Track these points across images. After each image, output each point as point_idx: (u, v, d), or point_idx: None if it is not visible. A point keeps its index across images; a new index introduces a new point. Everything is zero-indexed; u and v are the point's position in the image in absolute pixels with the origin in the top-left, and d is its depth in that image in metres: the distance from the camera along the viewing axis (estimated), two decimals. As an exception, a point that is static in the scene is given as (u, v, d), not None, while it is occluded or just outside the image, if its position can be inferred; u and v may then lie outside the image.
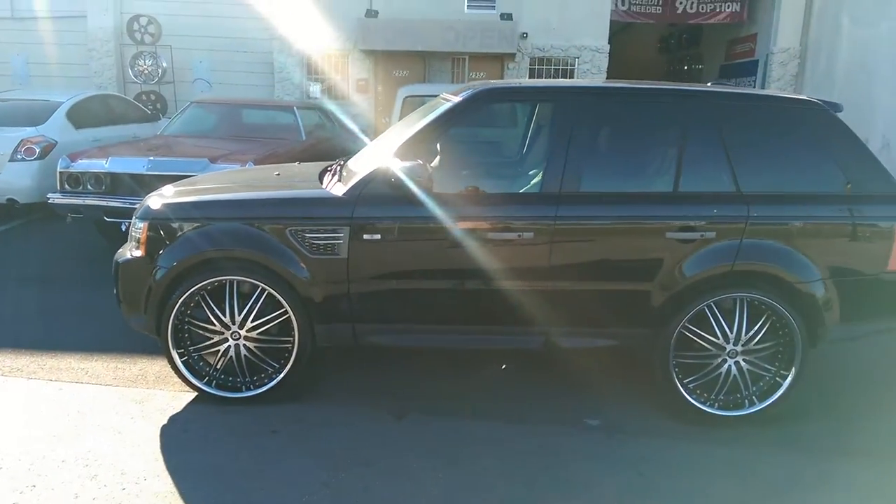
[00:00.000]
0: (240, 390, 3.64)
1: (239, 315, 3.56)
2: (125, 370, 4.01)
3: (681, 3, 14.10)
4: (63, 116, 8.27)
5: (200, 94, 13.44)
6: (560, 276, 3.50)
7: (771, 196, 3.50)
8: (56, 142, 7.78)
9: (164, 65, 13.67)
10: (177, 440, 3.28)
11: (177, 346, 3.59)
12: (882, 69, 10.52)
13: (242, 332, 3.58)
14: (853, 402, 3.94)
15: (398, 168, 3.38)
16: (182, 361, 3.61)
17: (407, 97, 7.91)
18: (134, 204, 4.39)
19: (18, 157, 7.48)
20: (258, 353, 3.63)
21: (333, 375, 4.05)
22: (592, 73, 13.36)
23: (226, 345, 3.60)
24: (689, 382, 3.60)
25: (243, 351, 3.61)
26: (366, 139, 7.99)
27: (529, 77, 13.51)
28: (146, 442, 3.24)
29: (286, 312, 3.54)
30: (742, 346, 3.54)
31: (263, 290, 3.52)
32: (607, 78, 13.83)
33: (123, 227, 5.82)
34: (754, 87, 13.86)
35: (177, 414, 3.53)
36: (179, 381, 3.67)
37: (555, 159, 3.52)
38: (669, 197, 3.52)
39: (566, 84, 3.86)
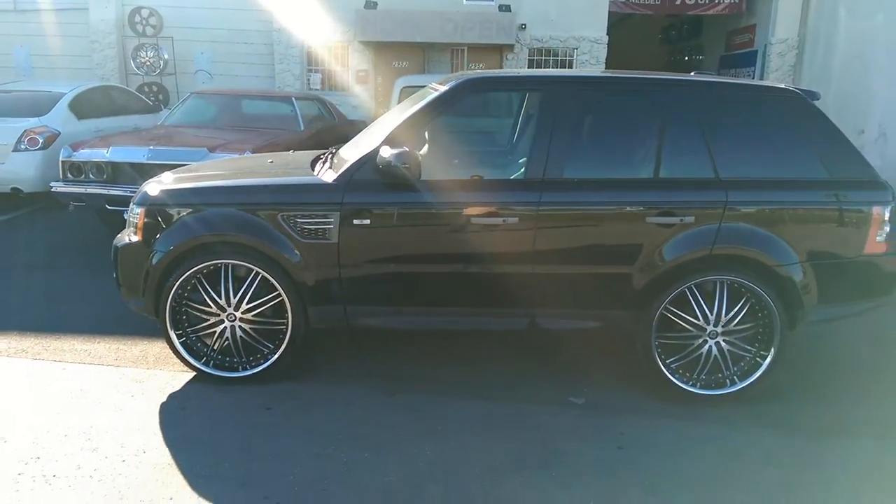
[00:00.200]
0: (236, 370, 3.77)
1: (234, 298, 3.68)
2: (126, 351, 4.15)
3: (680, -7, 14.14)
4: (66, 107, 8.40)
5: (202, 85, 13.55)
6: (544, 260, 3.61)
7: (749, 182, 3.60)
8: (59, 132, 7.91)
9: (166, 56, 13.78)
10: (175, 416, 3.42)
11: (175, 328, 3.72)
12: (878, 60, 10.57)
13: (238, 314, 3.71)
14: (830, 383, 4.05)
15: (386, 155, 3.48)
16: (180, 342, 3.74)
17: (404, 87, 8.04)
18: (135, 192, 4.51)
19: (22, 146, 7.62)
20: (253, 334, 3.76)
21: (328, 357, 4.18)
22: (591, 63, 13.43)
23: (222, 326, 3.73)
24: (672, 363, 3.71)
25: (239, 332, 3.74)
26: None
27: (529, 68, 13.57)
28: (146, 418, 3.37)
29: (280, 295, 3.66)
30: (722, 327, 3.65)
31: (258, 273, 3.64)
32: (606, 68, 13.90)
33: (126, 215, 5.93)
34: (753, 77, 13.91)
35: (175, 392, 3.66)
36: (178, 361, 3.80)
37: (538, 147, 3.63)
38: (650, 183, 3.63)
39: (548, 73, 3.97)
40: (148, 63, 13.82)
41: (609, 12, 13.73)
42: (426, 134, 3.99)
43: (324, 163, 4.05)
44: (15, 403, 3.48)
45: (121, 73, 14.16)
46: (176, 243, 3.61)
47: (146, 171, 5.91)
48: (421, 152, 4.04)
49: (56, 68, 14.17)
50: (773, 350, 3.65)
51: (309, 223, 3.59)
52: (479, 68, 13.50)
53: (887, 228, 3.69)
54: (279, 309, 3.71)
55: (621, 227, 3.63)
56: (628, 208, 3.61)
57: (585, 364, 4.13)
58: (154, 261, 3.64)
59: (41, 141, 7.72)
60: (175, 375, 3.83)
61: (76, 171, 6.34)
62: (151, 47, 13.77)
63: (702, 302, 3.63)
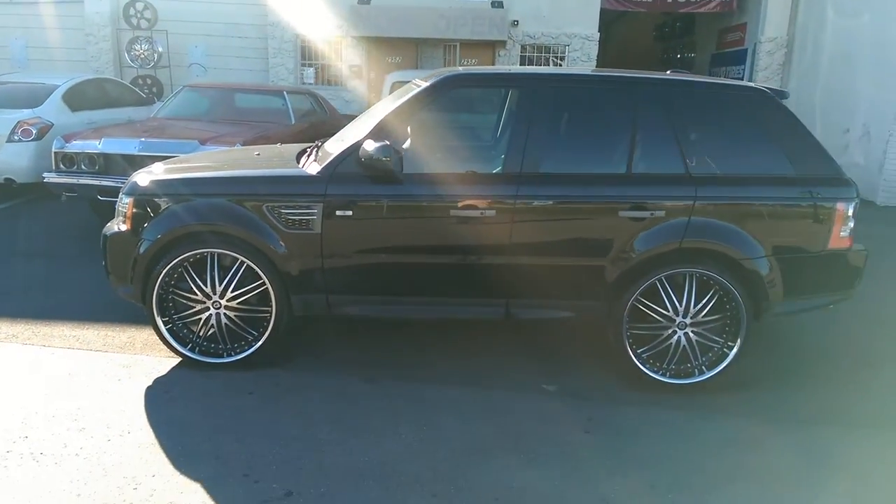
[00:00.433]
0: (221, 356, 3.88)
1: (220, 286, 3.79)
2: (114, 338, 4.26)
3: (671, -9, 14.27)
4: (59, 99, 8.49)
5: (196, 78, 13.63)
6: (520, 252, 3.73)
7: (718, 177, 3.73)
8: (52, 124, 8.00)
9: (160, 49, 13.85)
10: (160, 399, 3.53)
11: (161, 315, 3.83)
12: (864, 59, 10.70)
13: (223, 302, 3.82)
14: (795, 372, 4.18)
15: (369, 149, 3.59)
16: (167, 329, 3.85)
17: (395, 82, 8.14)
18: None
19: (15, 137, 7.71)
20: (238, 321, 3.87)
21: (310, 344, 4.29)
22: (582, 60, 13.55)
23: (207, 313, 3.84)
24: (643, 352, 3.84)
25: (224, 319, 3.85)
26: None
27: (520, 64, 13.68)
28: (131, 401, 3.49)
29: (264, 284, 3.78)
30: (691, 318, 3.78)
31: (243, 262, 3.75)
32: (597, 65, 14.02)
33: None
34: (743, 75, 14.05)
35: (161, 377, 3.78)
36: (165, 347, 3.91)
37: (516, 142, 3.76)
38: (622, 178, 3.75)
39: (525, 71, 4.09)
40: (142, 56, 13.89)
41: (603, 9, 13.84)
42: (409, 128, 4.10)
43: (309, 156, 4.16)
44: (4, 386, 3.60)
45: (115, 65, 14.23)
46: (163, 232, 3.72)
47: (138, 163, 6.00)
48: (404, 146, 4.16)
49: (51, 60, 14.24)
50: (739, 341, 3.78)
51: (293, 214, 3.70)
52: (471, 64, 13.60)
53: (851, 224, 3.82)
54: (263, 297, 3.82)
55: (595, 221, 3.76)
56: (601, 202, 3.73)
57: (560, 353, 4.27)
58: (142, 249, 3.75)
59: (35, 132, 7.81)
60: (161, 361, 3.95)
61: (69, 161, 6.44)
62: (146, 40, 13.84)
63: (671, 294, 3.76)
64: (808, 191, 3.75)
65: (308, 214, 3.70)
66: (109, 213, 6.37)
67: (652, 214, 3.68)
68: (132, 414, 3.36)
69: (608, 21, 18.24)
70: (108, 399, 3.49)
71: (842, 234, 3.79)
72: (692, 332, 3.80)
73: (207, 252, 3.75)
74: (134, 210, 3.80)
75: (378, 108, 4.23)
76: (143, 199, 3.80)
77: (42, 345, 4.12)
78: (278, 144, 5.30)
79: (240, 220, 3.71)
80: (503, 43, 13.46)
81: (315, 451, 3.10)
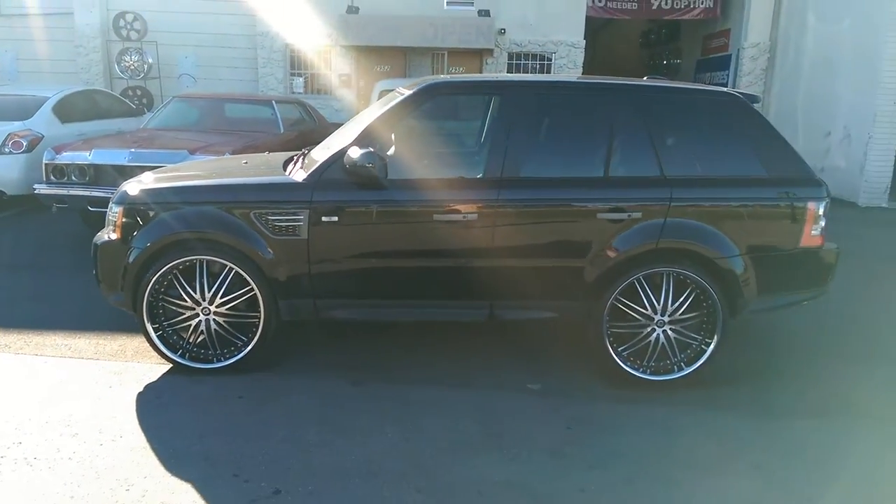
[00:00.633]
0: (211, 361, 3.96)
1: (209, 292, 3.87)
2: (105, 346, 4.33)
3: (655, -1, 14.47)
4: (49, 111, 8.56)
5: (186, 89, 13.72)
6: (502, 254, 3.83)
7: (692, 180, 3.85)
8: (42, 136, 8.07)
9: (150, 61, 13.92)
10: (151, 404, 3.61)
11: (152, 321, 3.90)
12: (844, 64, 10.89)
13: (212, 308, 3.90)
14: (771, 368, 4.30)
15: (354, 156, 3.68)
16: (157, 335, 3.93)
17: (383, 91, 8.26)
18: (115, 193, 4.70)
19: (6, 150, 7.78)
20: (227, 327, 3.95)
21: (298, 349, 4.37)
22: (569, 67, 13.70)
23: (197, 320, 3.92)
24: (623, 350, 3.94)
25: (213, 325, 3.93)
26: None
27: (508, 71, 13.84)
28: (123, 406, 3.56)
29: (252, 289, 3.86)
30: (669, 316, 3.88)
31: (231, 268, 3.83)
32: (584, 72, 14.17)
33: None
34: (727, 81, 14.23)
35: (152, 383, 3.85)
36: (155, 354, 3.98)
37: (496, 147, 3.86)
38: (600, 181, 3.86)
39: (505, 78, 4.18)
40: (132, 67, 13.96)
41: (588, 17, 14.01)
42: (393, 135, 4.20)
43: (295, 163, 4.26)
44: (-2, 393, 3.67)
45: (105, 77, 14.30)
46: (153, 240, 3.80)
47: (128, 174, 6.07)
48: (389, 153, 4.26)
49: (41, 72, 14.30)
50: (716, 337, 3.88)
51: (280, 220, 3.79)
52: (459, 72, 13.74)
53: (822, 223, 3.93)
54: (252, 303, 3.90)
55: (574, 223, 3.86)
56: (580, 205, 3.84)
57: (544, 353, 4.37)
58: (132, 257, 3.83)
59: (25, 144, 7.88)
60: (152, 367, 4.02)
61: (59, 173, 6.51)
62: (136, 51, 13.92)
63: (650, 293, 3.86)
64: (779, 191, 3.87)
65: (295, 221, 3.79)
66: (100, 223, 6.42)
67: (629, 216, 3.79)
68: (124, 419, 3.43)
69: (595, 28, 18.45)
70: (100, 405, 3.56)
71: (813, 233, 3.91)
72: (670, 329, 3.90)
73: (196, 259, 3.83)
74: (124, 219, 3.88)
75: (363, 116, 4.33)
76: (133, 208, 3.88)
77: (34, 354, 4.19)
78: (266, 153, 5.39)
79: (228, 228, 3.79)
80: (490, 51, 13.60)
81: (303, 451, 3.18)
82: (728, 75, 14.33)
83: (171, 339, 3.96)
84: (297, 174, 3.95)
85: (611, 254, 3.80)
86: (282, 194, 3.85)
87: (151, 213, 3.84)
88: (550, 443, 3.33)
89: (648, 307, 3.87)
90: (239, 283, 3.87)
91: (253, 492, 2.84)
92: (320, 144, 4.47)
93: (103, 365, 4.05)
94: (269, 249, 3.80)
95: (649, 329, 3.91)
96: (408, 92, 3.99)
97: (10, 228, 7.74)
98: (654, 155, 3.83)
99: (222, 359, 3.96)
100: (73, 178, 6.48)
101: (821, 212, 3.91)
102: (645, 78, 4.39)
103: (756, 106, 4.01)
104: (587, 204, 3.83)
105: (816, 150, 11.59)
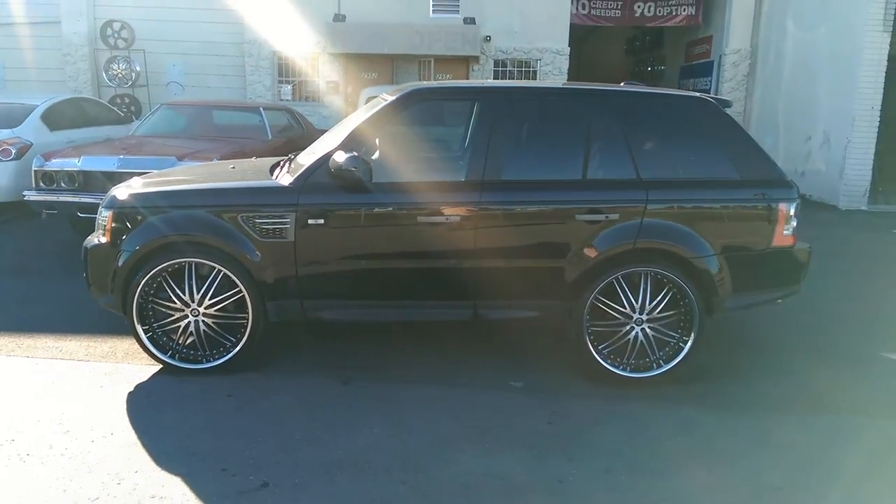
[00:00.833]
0: (200, 362, 4.03)
1: (198, 294, 3.96)
2: (96, 348, 4.40)
3: (638, 6, 14.67)
4: (38, 119, 8.62)
5: (174, 96, 13.77)
6: (484, 255, 3.94)
7: (667, 182, 3.97)
8: (31, 143, 8.13)
9: (138, 69, 13.98)
10: (142, 403, 3.68)
11: (142, 323, 3.98)
12: (822, 69, 11.11)
13: (201, 310, 3.98)
14: (746, 365, 4.43)
15: (339, 160, 3.78)
16: (147, 337, 4.00)
17: (370, 97, 8.36)
18: (104, 198, 4.77)
19: (-5, 157, 7.82)
20: (216, 328, 4.03)
21: (287, 350, 4.46)
22: (554, 74, 13.87)
23: (186, 321, 4.00)
24: (603, 348, 4.05)
25: (202, 326, 4.01)
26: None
27: (494, 78, 13.99)
28: (114, 405, 3.64)
29: (241, 291, 3.95)
30: (647, 315, 4.00)
31: (219, 271, 3.92)
32: (569, 79, 14.35)
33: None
34: (710, 86, 14.45)
35: (142, 383, 3.93)
36: (145, 355, 4.06)
37: (478, 151, 3.98)
38: (578, 184, 3.98)
39: (486, 84, 4.30)
40: (120, 75, 14.01)
41: (573, 25, 14.20)
42: (377, 140, 4.30)
43: (282, 168, 4.35)
44: (-10, 394, 3.73)
45: (93, 85, 14.34)
46: (142, 243, 3.88)
47: (116, 180, 6.14)
48: (373, 157, 4.36)
49: (29, 81, 14.31)
50: (693, 335, 4.00)
51: (267, 223, 3.88)
52: (446, 79, 13.88)
53: (794, 223, 4.07)
54: (240, 304, 3.98)
55: (553, 224, 3.97)
56: (559, 206, 3.95)
57: (526, 351, 4.48)
58: (121, 260, 3.90)
59: (14, 152, 7.93)
60: (142, 368, 4.09)
61: (48, 179, 6.58)
62: (123, 60, 13.96)
63: (628, 292, 3.98)
64: (751, 193, 4.00)
65: (281, 224, 3.88)
66: (89, 229, 6.48)
67: (606, 217, 3.90)
68: (115, 417, 3.50)
69: (581, 36, 18.66)
70: (91, 404, 3.63)
71: (785, 233, 4.04)
72: (649, 327, 4.02)
73: (185, 262, 3.91)
74: (113, 223, 3.96)
75: (348, 121, 4.44)
76: (122, 212, 3.96)
77: (26, 356, 4.25)
78: (253, 158, 5.48)
79: (216, 231, 3.88)
80: (476, 58, 13.76)
81: (290, 447, 3.27)
82: (711, 81, 14.54)
83: (160, 340, 4.03)
84: (284, 178, 4.04)
85: (589, 254, 3.91)
86: (269, 198, 3.94)
87: (140, 217, 3.92)
88: (531, 437, 3.43)
89: (627, 306, 3.98)
90: (227, 284, 3.95)
91: (241, 484, 2.93)
92: (306, 149, 4.57)
93: (94, 366, 4.12)
94: (257, 252, 3.89)
95: (628, 327, 4.02)
96: (391, 98, 4.10)
97: (1, 235, 7.77)
98: (629, 158, 3.96)
99: (211, 359, 4.03)
100: (63, 184, 6.55)
101: (792, 212, 4.04)
102: (622, 84, 4.52)
103: (728, 110, 4.14)
104: (566, 206, 3.94)
105: (797, 155, 11.81)
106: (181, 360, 4.03)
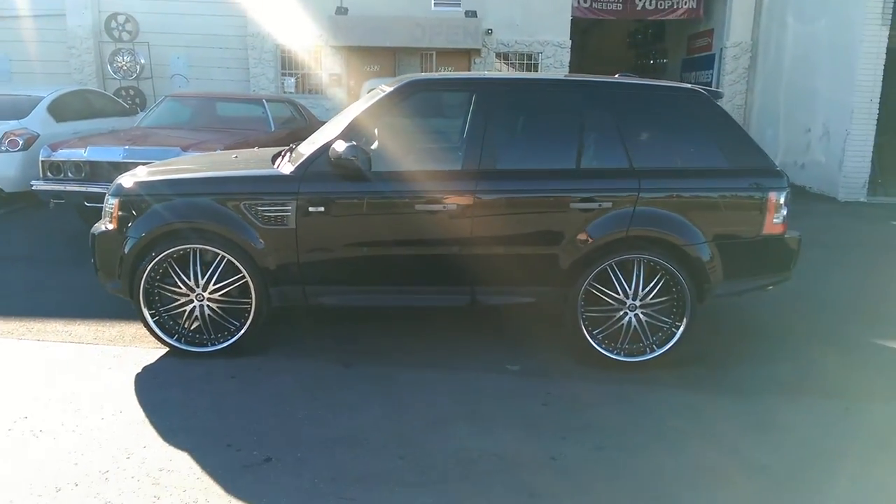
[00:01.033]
0: (205, 345, 4.15)
1: (202, 279, 4.07)
2: (104, 332, 4.53)
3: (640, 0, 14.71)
4: (44, 110, 8.74)
5: (178, 89, 13.87)
6: (481, 242, 4.04)
7: (659, 171, 4.07)
8: (38, 134, 8.25)
9: (142, 61, 14.09)
10: (149, 384, 3.81)
11: (148, 307, 4.10)
12: (822, 62, 11.16)
13: (206, 295, 4.10)
14: (742, 350, 4.52)
15: (339, 149, 3.88)
16: (154, 321, 4.12)
17: (371, 90, 8.45)
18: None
19: (2, 148, 7.97)
20: (221, 312, 4.15)
21: (290, 334, 4.58)
22: (555, 67, 13.94)
23: (191, 305, 4.12)
24: (598, 333, 4.16)
25: (207, 311, 4.13)
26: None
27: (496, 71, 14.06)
28: (122, 386, 3.76)
29: (244, 277, 4.06)
30: (640, 301, 4.10)
31: (223, 257, 4.03)
32: (570, 71, 14.41)
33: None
34: (712, 79, 14.50)
35: (149, 365, 4.05)
36: (152, 339, 4.18)
37: (474, 141, 4.08)
38: (572, 173, 4.09)
39: (481, 76, 4.41)
40: (125, 68, 14.12)
41: (576, 18, 14.26)
42: (375, 130, 4.40)
43: (283, 157, 4.46)
44: (2, 377, 3.85)
45: (98, 77, 14.44)
46: (148, 230, 3.99)
47: (122, 170, 6.25)
48: (372, 146, 4.46)
49: (34, 73, 14.42)
50: (685, 320, 4.10)
51: (269, 211, 3.99)
52: (448, 71, 13.94)
53: (784, 211, 4.16)
54: (244, 289, 4.10)
55: (548, 212, 4.07)
56: (553, 195, 4.06)
57: (523, 336, 4.59)
58: (128, 247, 4.02)
59: (21, 143, 8.06)
60: (149, 351, 4.21)
61: (55, 169, 6.70)
62: (128, 52, 14.08)
63: (622, 279, 4.08)
64: (742, 182, 4.10)
65: (283, 211, 3.99)
66: (96, 218, 6.59)
67: (600, 206, 4.00)
68: (123, 397, 3.63)
69: (583, 29, 18.70)
70: (100, 385, 3.76)
71: (775, 221, 4.14)
72: (642, 313, 4.12)
73: (190, 248, 4.02)
74: (119, 210, 4.07)
75: (347, 112, 4.54)
76: (128, 199, 4.07)
77: (36, 339, 4.38)
78: (255, 148, 5.59)
79: (219, 218, 3.99)
80: (478, 51, 13.82)
81: (292, 425, 3.39)
82: (712, 74, 14.59)
83: (167, 324, 4.15)
84: (285, 167, 4.15)
85: (583, 242, 4.01)
86: (270, 186, 4.05)
87: (146, 205, 4.03)
88: (526, 417, 3.54)
89: (621, 292, 4.09)
90: (231, 270, 4.06)
91: (245, 459, 3.05)
92: (307, 139, 4.68)
93: (103, 349, 4.25)
94: (260, 239, 4.00)
95: (622, 313, 4.12)
96: (389, 89, 4.21)
97: (10, 224, 7.91)
98: (622, 148, 4.05)
99: (216, 343, 4.15)
100: (70, 174, 6.67)
101: (782, 201, 4.13)
102: (616, 75, 4.61)
103: (729, 104, 4.24)
104: (560, 194, 4.04)
105: (798, 147, 11.88)
106: (187, 343, 4.15)
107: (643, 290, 4.08)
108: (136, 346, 4.30)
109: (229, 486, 2.84)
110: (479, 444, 3.26)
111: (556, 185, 4.06)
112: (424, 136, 5.16)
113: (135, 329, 4.49)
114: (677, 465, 3.14)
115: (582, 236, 4.01)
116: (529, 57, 14.18)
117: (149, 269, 4.01)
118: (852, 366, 4.35)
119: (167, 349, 4.18)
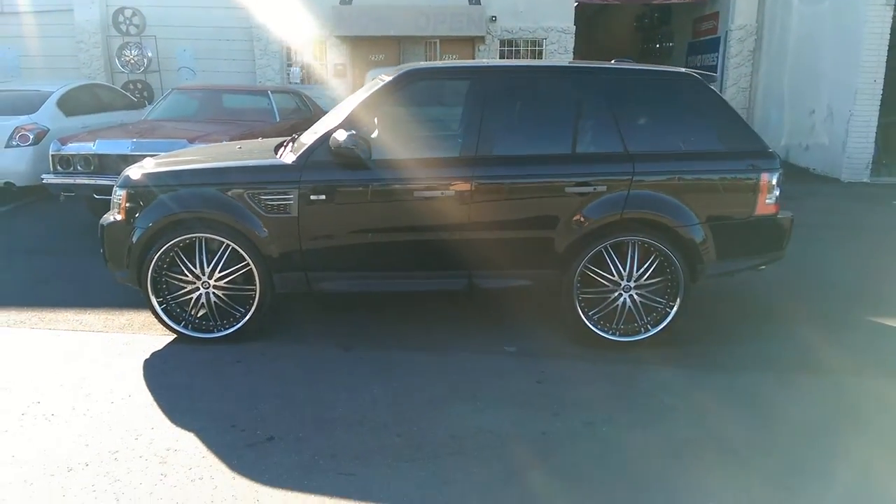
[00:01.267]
0: (211, 331, 4.28)
1: (208, 267, 4.19)
2: (114, 320, 4.66)
3: (644, -17, 14.67)
4: (54, 105, 8.88)
5: (185, 81, 14.01)
6: (478, 227, 4.13)
7: (653, 155, 4.14)
8: (48, 129, 8.39)
9: (150, 54, 14.23)
10: (157, 369, 3.94)
11: (156, 295, 4.22)
12: (826, 43, 11.12)
13: (212, 282, 4.22)
14: (728, 329, 4.61)
15: (340, 138, 3.97)
16: (161, 308, 4.25)
17: (375, 79, 8.53)
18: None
19: (14, 143, 8.11)
20: (226, 299, 4.27)
21: (293, 320, 4.70)
22: (559, 53, 13.94)
23: (198, 293, 4.24)
24: (593, 314, 4.25)
25: (213, 298, 4.25)
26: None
27: (500, 58, 14.08)
28: (131, 371, 3.89)
29: (248, 264, 4.18)
30: (635, 282, 4.19)
31: (228, 245, 4.15)
32: (579, 57, 14.41)
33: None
34: (717, 62, 14.45)
35: (158, 351, 4.18)
36: (160, 326, 4.31)
37: (471, 128, 4.17)
38: (568, 157, 4.16)
39: (478, 63, 4.48)
40: (132, 61, 14.27)
41: (581, 3, 14.25)
42: (375, 119, 4.49)
43: (285, 147, 4.56)
44: (15, 364, 3.99)
45: (106, 71, 14.60)
46: (154, 220, 4.11)
47: (130, 162, 6.32)
48: (372, 135, 4.55)
49: (43, 68, 14.60)
50: (679, 300, 4.18)
51: (272, 200, 4.10)
52: (452, 59, 13.98)
53: (777, 192, 4.22)
54: (248, 277, 4.22)
55: (544, 197, 4.16)
56: (549, 179, 4.13)
57: (521, 318, 4.69)
58: (135, 237, 4.14)
59: (31, 137, 8.21)
60: (158, 338, 4.35)
61: (65, 163, 6.84)
62: (135, 46, 14.21)
63: (616, 260, 4.16)
64: (734, 163, 4.16)
65: (285, 200, 4.09)
66: (105, 210, 6.72)
67: (595, 189, 4.08)
68: (132, 381, 3.76)
69: (590, 13, 18.67)
70: (110, 370, 3.89)
71: (767, 202, 4.20)
72: (636, 294, 4.20)
73: (196, 237, 4.14)
74: (127, 202, 4.19)
75: (347, 102, 4.63)
76: (136, 190, 4.19)
77: (48, 328, 4.52)
78: (259, 139, 5.69)
79: (224, 207, 4.10)
80: (482, 38, 13.86)
81: (294, 406, 3.51)
82: (718, 57, 14.54)
83: (174, 311, 4.28)
84: (287, 157, 4.25)
85: (579, 225, 4.09)
86: (273, 175, 4.15)
87: (152, 196, 4.15)
88: (520, 396, 3.65)
89: (616, 274, 4.17)
90: (236, 258, 4.18)
91: (249, 438, 3.18)
92: (309, 129, 4.77)
93: (112, 337, 4.39)
94: (263, 227, 4.10)
95: (617, 294, 4.21)
96: (387, 78, 4.29)
97: (22, 217, 8.08)
98: (616, 132, 4.12)
99: (222, 329, 4.27)
100: (79, 167, 6.81)
101: (774, 182, 4.19)
102: (612, 61, 4.67)
103: (712, 85, 4.29)
104: (555, 179, 4.12)
105: (802, 129, 11.85)
106: (194, 329, 4.28)
107: (638, 271, 4.16)
108: (144, 334, 4.43)
109: (233, 464, 2.97)
110: (474, 421, 3.37)
111: (551, 169, 4.13)
112: (423, 124, 5.25)
113: (143, 317, 4.62)
114: (664, 439, 3.23)
115: (577, 219, 4.09)
116: (534, 43, 14.19)
117: (156, 258, 4.13)
118: (843, 344, 4.41)
119: (175, 336, 4.31)
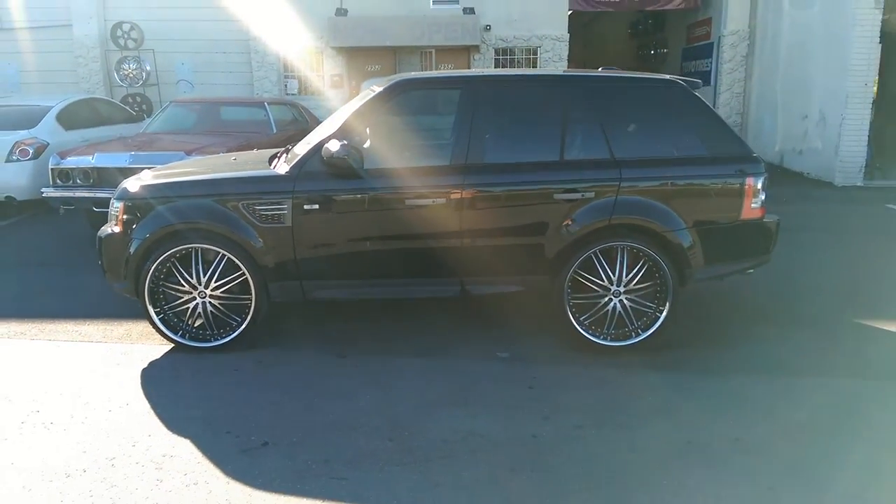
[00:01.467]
0: (208, 340, 4.34)
1: (204, 277, 4.26)
2: (112, 331, 4.73)
3: (637, -10, 14.80)
4: (53, 119, 8.97)
5: (184, 94, 14.12)
6: (470, 234, 4.20)
7: (640, 161, 4.21)
8: (48, 143, 8.48)
9: (148, 68, 14.35)
10: (155, 378, 4.00)
11: (154, 305, 4.29)
12: (817, 47, 11.21)
13: (208, 292, 4.29)
14: (718, 333, 4.67)
15: (332, 148, 4.05)
16: (159, 318, 4.31)
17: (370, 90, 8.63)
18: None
19: (14, 158, 8.20)
20: (223, 308, 4.33)
21: (288, 327, 4.76)
22: (554, 61, 14.06)
23: (194, 303, 4.31)
24: (584, 319, 4.31)
25: (210, 307, 4.32)
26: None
27: (495, 66, 14.19)
28: (129, 380, 3.96)
29: (244, 274, 4.25)
30: (624, 287, 4.25)
31: (224, 255, 4.22)
32: (574, 65, 14.53)
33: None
34: (711, 68, 14.56)
35: (156, 360, 4.25)
36: (158, 336, 4.38)
37: (461, 136, 4.24)
38: (556, 164, 4.23)
39: (467, 73, 4.56)
40: (131, 75, 14.39)
41: (575, 11, 14.37)
42: (367, 129, 4.57)
43: (279, 158, 4.64)
44: (15, 374, 4.06)
45: (105, 85, 14.73)
46: (151, 231, 4.18)
47: (129, 175, 6.45)
48: (365, 145, 4.63)
49: (43, 83, 14.74)
50: (668, 305, 4.24)
51: (266, 210, 4.17)
52: (447, 69, 14.10)
53: (762, 196, 4.29)
54: (244, 286, 4.28)
55: (533, 203, 4.22)
56: (538, 186, 4.21)
57: (513, 324, 4.75)
58: (133, 248, 4.21)
59: (31, 152, 8.30)
60: (155, 348, 4.41)
61: (64, 177, 6.93)
62: (134, 60, 14.34)
63: (606, 266, 4.23)
64: (719, 168, 4.23)
65: (279, 210, 4.17)
66: (104, 223, 6.84)
67: (583, 195, 4.15)
68: (130, 390, 3.82)
69: (585, 21, 18.81)
70: (108, 380, 3.96)
71: (753, 206, 4.27)
72: (626, 299, 4.27)
73: (192, 248, 4.21)
74: (124, 213, 4.27)
75: (340, 113, 4.71)
76: (132, 202, 4.27)
77: (48, 339, 4.59)
78: (254, 150, 5.77)
79: (219, 218, 4.17)
80: (477, 47, 13.98)
81: (289, 412, 3.57)
82: (711, 63, 14.65)
83: (171, 321, 4.34)
84: (281, 167, 4.33)
85: (568, 231, 4.16)
86: (267, 186, 4.23)
87: (149, 207, 4.22)
88: (511, 400, 3.71)
89: (605, 279, 4.24)
90: (231, 268, 4.24)
91: (244, 444, 3.24)
92: (303, 140, 4.85)
93: (111, 347, 4.45)
94: (258, 237, 4.18)
95: (607, 299, 4.27)
96: (379, 89, 4.37)
97: (22, 231, 8.16)
98: (603, 139, 4.20)
99: (219, 338, 4.34)
100: (78, 181, 6.89)
101: (759, 186, 4.26)
102: (600, 69, 4.75)
103: (697, 91, 4.37)
104: (544, 185, 4.19)
105: (796, 134, 11.94)
106: (191, 339, 4.34)
107: (627, 276, 4.23)
108: (142, 344, 4.49)
109: (228, 469, 3.03)
110: (466, 425, 3.43)
111: (540, 176, 4.21)
112: (414, 133, 5.32)
113: (141, 328, 4.69)
114: (652, 441, 3.29)
115: (567, 225, 4.16)
116: (529, 52, 14.31)
117: (153, 268, 4.20)
118: (834, 347, 4.47)
119: (172, 345, 4.37)
